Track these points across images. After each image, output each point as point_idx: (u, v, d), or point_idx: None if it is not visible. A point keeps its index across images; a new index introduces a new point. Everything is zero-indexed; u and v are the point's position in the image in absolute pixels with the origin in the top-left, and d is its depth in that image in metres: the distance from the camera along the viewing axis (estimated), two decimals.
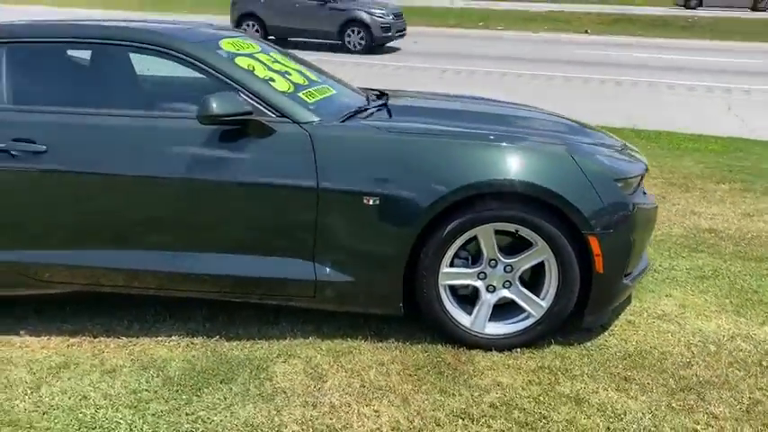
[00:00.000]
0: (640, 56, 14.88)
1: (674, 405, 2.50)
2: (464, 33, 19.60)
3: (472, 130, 2.94)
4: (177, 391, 2.56)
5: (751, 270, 3.76)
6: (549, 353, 2.84)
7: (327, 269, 2.79)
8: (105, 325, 3.04)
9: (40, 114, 2.79)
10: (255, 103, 2.73)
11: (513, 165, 2.69)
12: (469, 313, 2.86)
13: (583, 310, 2.84)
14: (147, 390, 2.56)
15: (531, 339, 2.85)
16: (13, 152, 2.71)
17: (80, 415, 2.41)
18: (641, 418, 2.42)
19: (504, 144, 2.78)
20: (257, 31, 14.46)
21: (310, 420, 2.40)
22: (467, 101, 3.89)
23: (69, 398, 2.51)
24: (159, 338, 2.93)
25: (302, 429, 2.36)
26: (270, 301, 2.95)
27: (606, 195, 2.70)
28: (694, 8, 28.79)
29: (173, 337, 2.94)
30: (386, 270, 2.78)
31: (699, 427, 2.38)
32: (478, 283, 2.84)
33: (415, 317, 2.92)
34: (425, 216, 2.67)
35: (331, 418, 2.42)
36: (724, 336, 3.01)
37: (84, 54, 3.06)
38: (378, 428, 2.37)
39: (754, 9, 27.78)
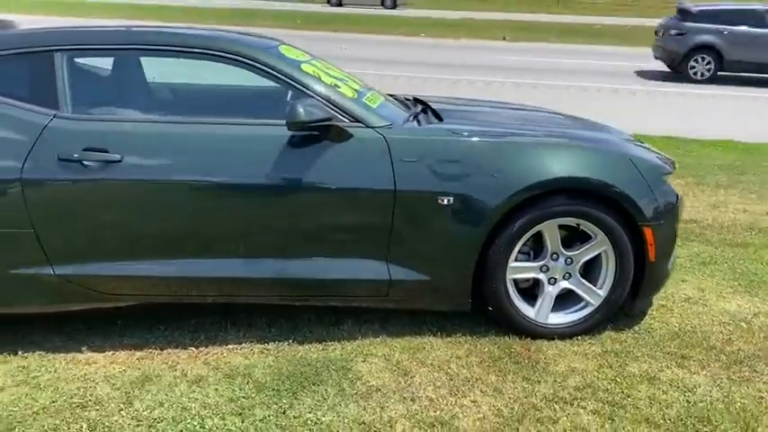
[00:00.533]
0: (556, 61, 15.66)
1: (732, 378, 2.77)
2: (395, 40, 19.83)
3: (529, 131, 3.11)
4: (274, 396, 2.57)
5: (741, 255, 4.14)
6: (606, 338, 3.05)
7: (401, 269, 2.88)
8: (168, 336, 2.98)
9: (113, 123, 2.72)
10: (331, 109, 2.78)
11: (577, 162, 2.88)
12: (533, 305, 3.02)
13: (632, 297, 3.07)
14: (244, 397, 2.55)
15: (590, 327, 3.06)
16: (86, 162, 2.62)
17: (188, 426, 2.38)
18: (711, 391, 2.67)
19: (566, 143, 2.98)
20: (708, 64, 12.73)
21: (416, 414, 2.49)
22: (493, 104, 4.05)
23: (168, 410, 2.46)
24: (230, 346, 2.92)
25: (412, 423, 2.44)
26: (340, 303, 3.00)
27: (657, 189, 2.95)
28: (336, 5, 31.82)
29: (243, 345, 2.93)
30: (457, 267, 2.90)
31: (763, 395, 2.65)
32: (541, 276, 3.01)
33: (473, 311, 3.06)
34: (496, 213, 2.81)
35: (435, 411, 2.51)
36: (748, 314, 3.33)
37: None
38: (483, 417, 2.48)
39: (383, 6, 31.52)
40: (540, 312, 3.02)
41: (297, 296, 2.96)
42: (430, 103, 3.49)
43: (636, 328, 3.16)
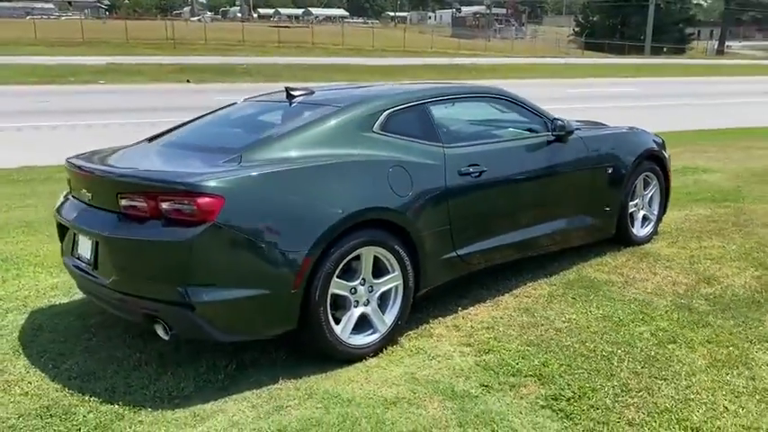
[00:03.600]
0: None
1: (706, 243, 5.38)
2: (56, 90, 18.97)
3: (615, 128, 5.26)
4: (586, 295, 4.21)
5: None
6: (660, 239, 5.38)
7: (590, 218, 4.74)
8: (453, 306, 4.26)
9: (472, 147, 3.96)
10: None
11: (647, 140, 5.16)
12: (633, 227, 5.17)
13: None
14: (583, 304, 4.14)
15: (653, 234, 5.35)
16: (472, 173, 3.84)
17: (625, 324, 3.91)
18: (741, 240, 5.23)
19: (637, 131, 5.23)
20: None
21: (655, 288, 4.43)
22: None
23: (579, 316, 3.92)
24: (517, 291, 4.36)
25: (654, 292, 4.37)
26: (565, 246, 4.69)
27: (666, 151, 5.40)
28: None
29: (521, 288, 4.40)
30: (613, 211, 4.89)
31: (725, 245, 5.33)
32: (635, 209, 5.18)
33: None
34: (627, 174, 4.90)
35: (655, 286, 4.48)
36: (683, 216, 6.06)
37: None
38: (674, 282, 4.55)
39: None
40: (637, 230, 5.20)
41: (549, 245, 4.55)
42: None
43: (660, 231, 5.57)
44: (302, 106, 3.85)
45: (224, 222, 2.90)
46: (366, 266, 3.37)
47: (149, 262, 2.98)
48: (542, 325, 3.79)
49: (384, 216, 3.37)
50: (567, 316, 3.91)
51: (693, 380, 3.17)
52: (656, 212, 5.36)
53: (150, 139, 4.04)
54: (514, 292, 4.30)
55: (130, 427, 2.80)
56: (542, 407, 2.96)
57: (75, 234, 3.45)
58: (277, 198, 3.09)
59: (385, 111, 3.69)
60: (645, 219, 5.32)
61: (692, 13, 66.78)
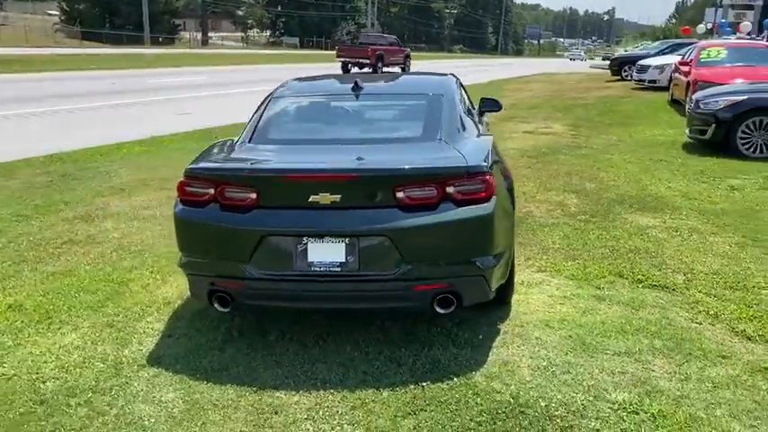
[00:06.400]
0: None
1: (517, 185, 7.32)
2: None
3: None
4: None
5: None
6: None
7: None
8: None
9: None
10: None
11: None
12: None
13: None
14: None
15: None
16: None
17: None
18: (531, 185, 7.18)
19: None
20: None
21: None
22: None
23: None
24: None
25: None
26: None
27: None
28: None
29: None
30: None
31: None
32: None
33: None
34: None
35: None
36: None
37: None
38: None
39: None
40: None
41: None
42: None
43: None
44: (390, 97, 4.43)
45: (498, 195, 3.27)
46: None
47: (450, 242, 3.17)
48: (560, 250, 4.99)
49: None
50: (558, 241, 5.20)
51: (683, 250, 4.90)
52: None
53: (250, 139, 3.72)
54: None
55: (505, 386, 3.02)
56: (643, 287, 4.26)
57: (297, 244, 3.14)
58: (499, 170, 3.61)
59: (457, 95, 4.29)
60: None
61: (177, 5, 69.98)
